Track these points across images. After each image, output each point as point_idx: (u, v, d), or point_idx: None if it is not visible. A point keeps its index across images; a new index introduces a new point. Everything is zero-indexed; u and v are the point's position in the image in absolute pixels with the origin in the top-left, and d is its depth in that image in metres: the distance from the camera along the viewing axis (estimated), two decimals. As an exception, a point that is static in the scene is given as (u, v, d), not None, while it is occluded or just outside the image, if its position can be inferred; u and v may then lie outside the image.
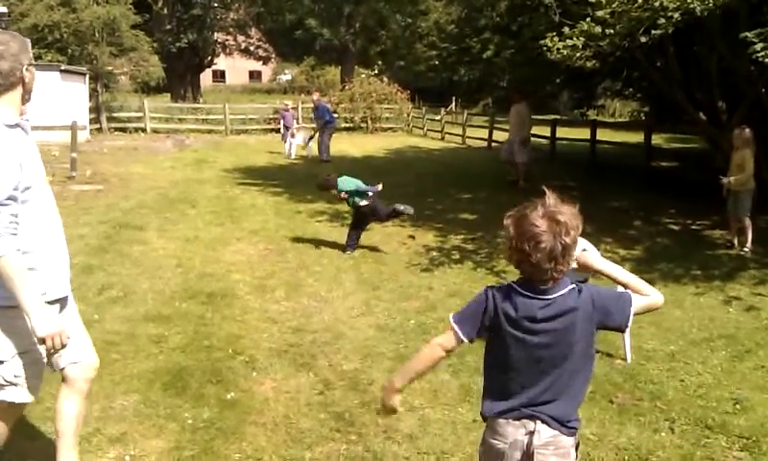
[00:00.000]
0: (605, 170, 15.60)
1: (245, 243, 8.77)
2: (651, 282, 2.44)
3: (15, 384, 2.86)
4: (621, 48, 8.24)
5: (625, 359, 5.08)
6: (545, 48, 7.95)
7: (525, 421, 2.26)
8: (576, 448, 2.32)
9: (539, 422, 2.24)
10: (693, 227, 9.76)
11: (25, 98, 2.87)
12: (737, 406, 4.36)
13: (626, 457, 3.75)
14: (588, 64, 7.88)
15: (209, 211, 10.80)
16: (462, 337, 2.33)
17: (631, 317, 2.30)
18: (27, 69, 2.81)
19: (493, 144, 22.10)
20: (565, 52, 7.72)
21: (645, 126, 17.26)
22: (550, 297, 2.22)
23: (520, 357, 2.25)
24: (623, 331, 2.25)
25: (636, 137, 17.06)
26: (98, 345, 5.15)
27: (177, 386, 4.54)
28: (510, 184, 13.37)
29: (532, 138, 14.31)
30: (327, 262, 7.86)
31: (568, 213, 2.20)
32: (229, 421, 4.10)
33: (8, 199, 2.60)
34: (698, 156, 16.24)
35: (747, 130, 8.32)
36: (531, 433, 2.24)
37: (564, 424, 2.26)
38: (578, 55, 7.74)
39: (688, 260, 7.95)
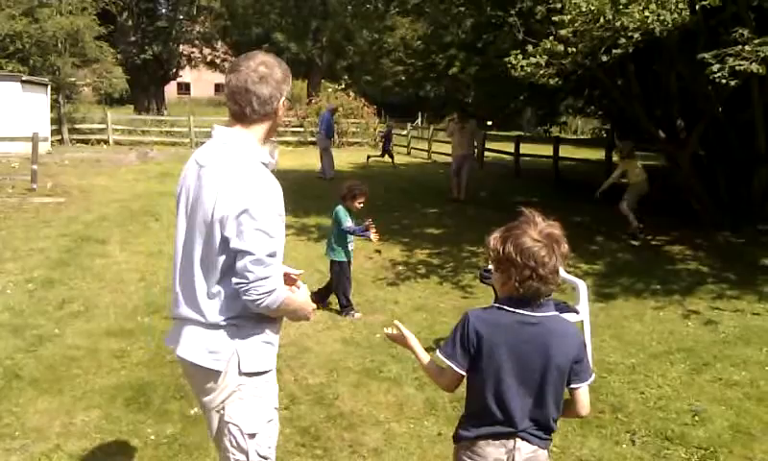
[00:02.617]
0: (567, 186, 15.83)
1: (210, 257, 8.68)
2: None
3: (267, 458, 2.52)
4: (583, 66, 8.38)
5: (587, 372, 5.15)
6: (509, 65, 8.06)
7: (504, 440, 2.30)
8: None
9: (518, 439, 2.29)
10: (653, 242, 9.95)
11: (272, 134, 2.57)
12: (696, 418, 4.45)
13: (588, 469, 3.81)
14: (551, 82, 8.01)
15: (173, 225, 10.65)
16: (459, 371, 2.33)
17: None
18: (283, 102, 2.51)
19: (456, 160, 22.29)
20: (529, 69, 7.84)
21: (606, 143, 17.57)
22: (537, 314, 2.26)
23: (505, 379, 2.27)
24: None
25: (598, 154, 17.38)
26: (58, 359, 5.13)
27: (139, 402, 4.48)
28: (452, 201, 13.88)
29: (493, 154, 14.76)
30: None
31: (557, 227, 2.28)
32: (193, 437, 4.05)
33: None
34: (657, 173, 16.56)
35: (629, 142, 10.92)
36: (511, 451, 2.29)
37: (542, 438, 2.32)
38: (541, 72, 7.86)
39: (649, 275, 8.11)
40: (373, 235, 6.61)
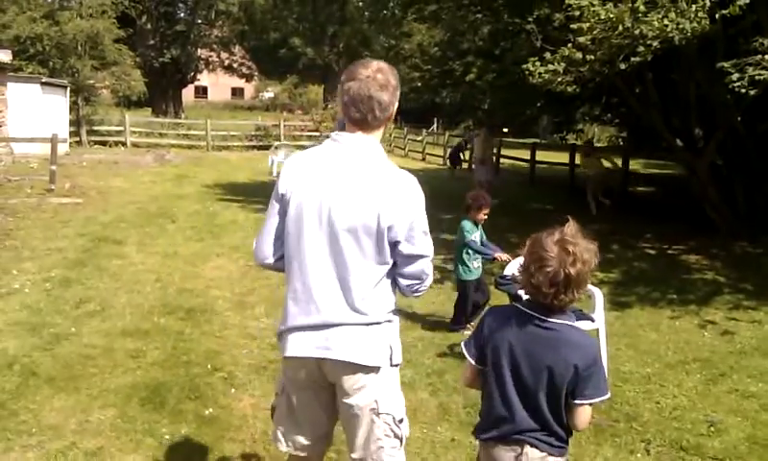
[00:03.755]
0: (583, 194, 15.76)
1: (225, 259, 8.74)
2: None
3: (403, 446, 2.65)
4: (601, 74, 8.37)
5: (602, 381, 5.12)
6: (527, 72, 8.06)
7: (514, 445, 2.33)
8: None
9: (527, 445, 2.31)
10: (669, 251, 9.89)
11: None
12: (712, 429, 4.41)
13: (602, 478, 3.79)
14: (569, 89, 8.00)
15: (189, 227, 10.77)
16: (469, 358, 2.44)
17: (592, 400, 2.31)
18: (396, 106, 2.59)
19: (473, 166, 22.26)
20: (546, 76, 7.83)
21: (623, 151, 17.50)
22: (551, 320, 2.27)
23: (509, 380, 2.31)
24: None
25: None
26: (75, 358, 5.18)
27: (154, 401, 4.50)
28: None
29: (513, 162, 14.83)
30: (308, 280, 7.85)
31: (583, 246, 2.25)
32: (207, 437, 4.07)
33: None
34: (674, 181, 16.49)
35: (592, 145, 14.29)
36: (519, 455, 2.32)
37: (553, 446, 2.33)
38: (559, 80, 7.85)
39: (665, 284, 8.05)
40: (502, 255, 5.94)
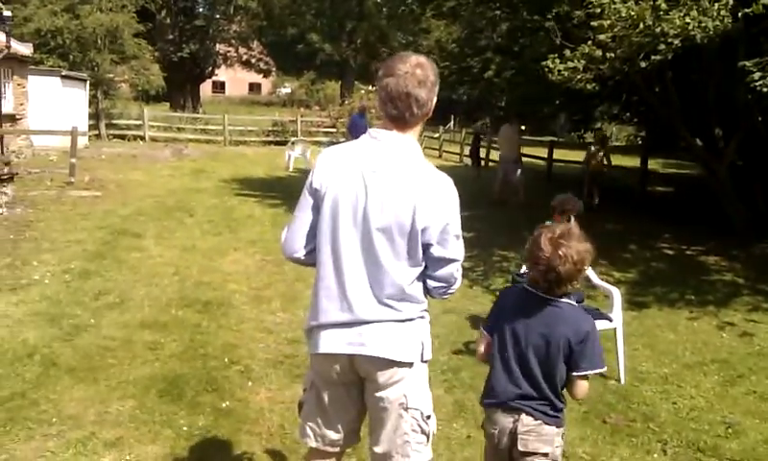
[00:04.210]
0: (601, 192, 15.67)
1: (242, 253, 8.79)
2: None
3: (430, 442, 2.67)
4: (621, 72, 8.32)
5: (619, 380, 5.11)
6: (547, 69, 8.02)
7: (512, 412, 2.61)
8: (561, 435, 2.65)
9: (523, 413, 2.59)
10: (688, 252, 9.82)
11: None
12: (729, 430, 4.39)
13: (618, 477, 3.78)
14: (588, 87, 7.96)
15: (207, 221, 10.82)
16: (484, 332, 2.75)
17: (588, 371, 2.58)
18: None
19: (491, 163, 22.21)
20: (566, 74, 7.79)
21: (641, 150, 17.39)
22: (547, 297, 2.56)
23: (512, 352, 2.61)
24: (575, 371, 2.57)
25: (632, 162, 17.18)
26: (94, 349, 5.23)
27: (172, 393, 4.54)
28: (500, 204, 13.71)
29: (529, 159, 14.67)
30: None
31: (574, 247, 2.49)
32: (225, 429, 4.11)
33: None
34: (693, 181, 16.36)
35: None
36: (516, 421, 2.61)
37: (546, 415, 2.58)
38: (578, 77, 7.81)
39: (683, 285, 8.00)
40: None
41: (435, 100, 2.50)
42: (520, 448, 2.58)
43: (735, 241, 10.05)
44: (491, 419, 2.69)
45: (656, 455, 4.04)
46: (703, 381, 5.24)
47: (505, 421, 2.62)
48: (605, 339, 5.57)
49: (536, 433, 2.57)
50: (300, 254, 2.61)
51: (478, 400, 3.97)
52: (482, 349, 2.75)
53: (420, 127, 2.55)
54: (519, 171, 13.97)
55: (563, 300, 2.56)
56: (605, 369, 2.69)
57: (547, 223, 3.54)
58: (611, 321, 5.17)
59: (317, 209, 2.52)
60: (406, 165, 2.45)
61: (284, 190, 14.51)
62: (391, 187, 2.41)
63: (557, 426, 2.60)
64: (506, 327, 2.61)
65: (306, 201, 2.55)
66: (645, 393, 4.96)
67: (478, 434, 4.17)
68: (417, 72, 2.42)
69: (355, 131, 17.24)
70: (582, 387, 2.58)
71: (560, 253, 2.46)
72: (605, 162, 14.19)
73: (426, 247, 2.44)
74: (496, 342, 2.65)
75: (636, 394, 4.92)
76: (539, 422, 2.57)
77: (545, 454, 2.59)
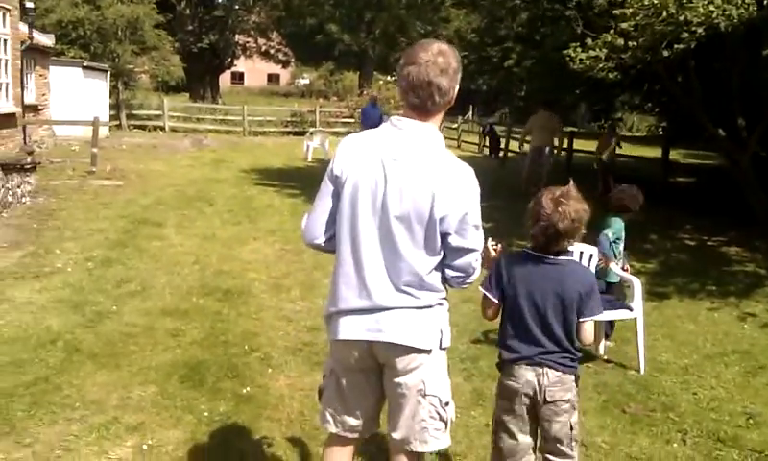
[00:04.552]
0: (622, 183, 15.59)
1: (261, 242, 8.84)
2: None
3: (448, 429, 2.70)
4: (643, 61, 8.24)
5: (638, 370, 5.09)
6: (568, 58, 7.96)
7: (535, 366, 2.83)
8: (576, 381, 2.90)
9: (546, 367, 2.82)
10: (709, 243, 9.73)
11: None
12: (750, 421, 4.36)
13: (637, 466, 3.77)
14: (610, 76, 7.90)
15: (227, 210, 10.89)
16: (493, 299, 2.91)
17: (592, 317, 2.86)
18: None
19: (509, 154, 22.13)
20: (588, 63, 7.74)
21: (663, 140, 17.22)
22: (551, 259, 2.81)
23: (528, 311, 2.82)
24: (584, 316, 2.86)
25: (653, 152, 17.04)
26: (116, 336, 5.30)
27: (194, 379, 4.59)
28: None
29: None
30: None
31: (574, 206, 2.73)
32: (245, 415, 4.15)
33: None
34: (715, 172, 16.19)
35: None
36: (540, 375, 2.82)
37: (567, 365, 2.85)
38: (600, 66, 7.75)
39: (704, 276, 7.93)
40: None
41: (457, 88, 2.48)
42: (548, 398, 2.82)
43: (757, 232, 9.94)
44: (513, 374, 2.88)
45: (675, 445, 4.02)
46: (723, 372, 5.20)
47: (529, 375, 2.83)
48: (625, 329, 5.58)
49: (560, 383, 2.83)
50: (321, 240, 2.62)
51: (496, 389, 4.00)
52: (490, 313, 2.95)
53: (442, 115, 2.55)
54: (551, 160, 13.64)
55: (564, 257, 2.83)
56: (603, 313, 3.14)
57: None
58: (631, 310, 5.15)
59: (337, 196, 2.53)
60: (426, 154, 2.44)
61: (303, 180, 14.55)
62: (410, 176, 2.40)
63: (575, 374, 2.89)
64: (519, 292, 2.82)
65: (327, 188, 2.56)
66: (665, 383, 4.94)
67: (497, 422, 4.19)
68: (438, 60, 2.41)
69: (367, 121, 17.17)
70: (587, 331, 2.86)
71: (559, 210, 2.69)
72: (616, 151, 14.45)
73: (445, 236, 2.44)
74: (512, 305, 2.85)
75: (656, 384, 4.90)
76: (559, 373, 2.83)
77: (568, 400, 2.85)
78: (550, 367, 2.81)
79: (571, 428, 2.89)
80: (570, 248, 2.89)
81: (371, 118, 16.95)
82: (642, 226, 10.63)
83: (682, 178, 17.05)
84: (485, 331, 5.77)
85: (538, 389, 2.82)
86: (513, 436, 2.93)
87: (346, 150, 2.54)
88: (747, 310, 6.79)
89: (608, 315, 5.17)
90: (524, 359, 2.83)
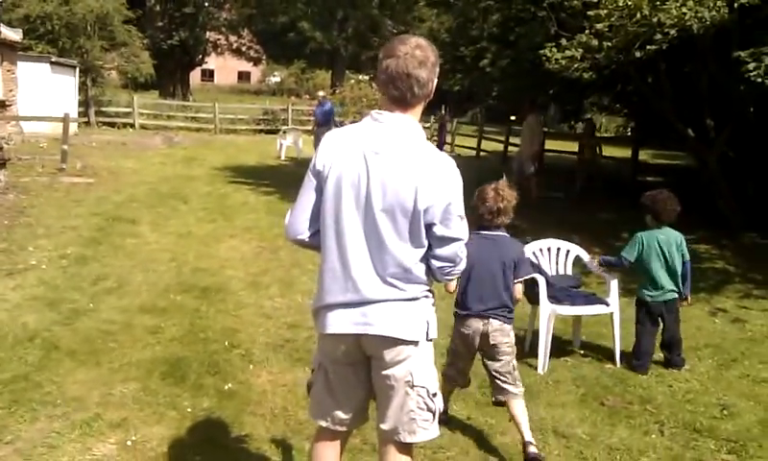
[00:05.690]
0: (592, 182, 15.79)
1: (238, 240, 8.80)
2: None
3: (436, 420, 2.70)
4: (617, 62, 8.37)
5: (615, 364, 5.19)
6: (544, 58, 8.06)
7: (483, 319, 3.81)
8: (511, 330, 3.88)
9: (491, 319, 3.81)
10: (679, 240, 9.90)
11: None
12: (725, 412, 4.47)
13: (618, 457, 3.85)
14: (585, 75, 8.01)
15: (201, 208, 10.82)
16: None
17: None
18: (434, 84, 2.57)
19: (482, 153, 22.31)
20: (564, 62, 7.85)
21: (632, 141, 17.49)
22: (491, 233, 3.87)
23: (483, 279, 3.80)
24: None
25: (622, 152, 17.30)
26: (94, 333, 5.25)
27: (175, 376, 4.57)
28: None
29: (514, 149, 14.27)
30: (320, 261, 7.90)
31: (507, 192, 3.84)
32: (228, 410, 4.15)
33: None
34: (683, 172, 16.49)
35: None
36: (486, 324, 3.80)
37: (506, 316, 3.83)
38: (575, 66, 7.87)
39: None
40: None
41: (435, 81, 2.53)
42: (491, 342, 3.80)
43: (726, 231, 10.15)
44: (465, 324, 3.85)
45: (654, 436, 4.12)
46: (697, 365, 5.32)
47: (477, 325, 3.81)
48: (601, 324, 5.68)
49: (500, 331, 3.81)
50: (305, 236, 2.62)
51: (478, 387, 4.41)
52: (453, 285, 3.55)
53: (421, 109, 2.57)
54: (533, 168, 12.69)
55: (501, 232, 3.88)
56: (532, 274, 4.41)
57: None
58: (608, 306, 5.24)
59: (320, 191, 2.54)
60: (408, 146, 2.47)
61: (277, 178, 14.51)
62: (392, 168, 2.43)
63: (511, 324, 3.87)
64: (475, 265, 3.59)
65: (310, 182, 2.57)
66: (641, 376, 5.03)
67: (478, 415, 4.26)
68: (417, 53, 2.45)
69: (319, 118, 17.37)
70: (519, 289, 3.91)
71: (499, 194, 3.82)
72: (598, 150, 14.98)
73: (429, 227, 2.46)
74: (464, 275, 3.61)
75: (633, 377, 5.00)
76: (501, 322, 3.81)
77: (507, 342, 3.82)
78: (494, 318, 3.79)
79: (513, 368, 3.85)
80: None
81: (320, 115, 17.54)
82: (614, 224, 10.82)
83: (651, 177, 17.31)
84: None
85: (483, 334, 3.79)
86: (459, 369, 4.02)
87: (328, 145, 2.56)
88: (718, 306, 6.95)
89: (586, 310, 5.28)
90: (474, 314, 3.81)
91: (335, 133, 2.62)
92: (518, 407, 3.80)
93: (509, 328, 3.82)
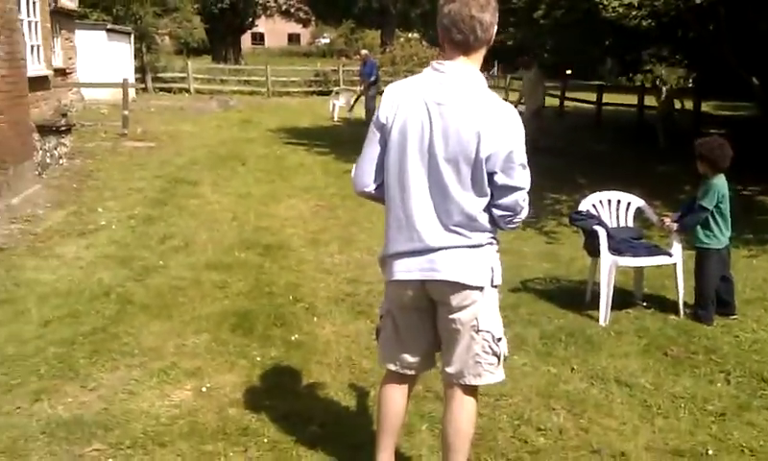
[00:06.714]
0: (652, 135, 15.42)
1: (296, 199, 8.95)
2: None
3: (501, 364, 2.76)
4: (675, 8, 8.10)
5: (678, 315, 5.14)
6: (601, 6, 7.86)
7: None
8: None
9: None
10: (744, 192, 9.64)
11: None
12: (793, 361, 4.41)
13: (682, 405, 3.84)
14: (644, 23, 7.79)
15: (259, 169, 11.00)
16: None
17: None
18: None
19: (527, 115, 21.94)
20: (621, 10, 7.63)
21: (694, 92, 16.96)
22: None
23: None
24: None
25: (686, 104, 16.79)
26: (165, 289, 5.46)
27: (244, 327, 4.74)
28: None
29: (577, 104, 14.03)
30: (377, 219, 7.95)
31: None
32: (295, 360, 4.29)
33: None
34: (747, 123, 15.95)
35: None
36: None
37: None
38: (633, 13, 7.64)
39: (740, 224, 7.77)
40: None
41: (496, 26, 2.51)
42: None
43: (793, 181, 9.84)
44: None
45: (719, 385, 4.09)
46: (764, 316, 5.23)
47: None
48: (664, 276, 5.61)
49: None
50: (371, 188, 2.68)
51: (539, 338, 4.23)
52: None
53: (482, 55, 2.57)
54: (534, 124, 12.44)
55: None
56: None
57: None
58: (671, 256, 5.18)
59: (384, 143, 2.59)
60: (470, 95, 2.49)
61: (331, 139, 14.62)
62: (455, 118, 2.45)
63: None
64: None
65: (374, 135, 2.62)
66: (706, 327, 4.98)
67: (540, 364, 4.30)
68: None
69: (369, 70, 17.77)
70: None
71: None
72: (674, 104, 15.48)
73: (491, 175, 2.48)
74: None
75: (697, 328, 4.95)
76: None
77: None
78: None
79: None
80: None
81: (366, 74, 17.86)
82: (676, 176, 10.59)
83: (714, 129, 16.81)
84: (522, 281, 5.85)
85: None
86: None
87: (391, 97, 2.59)
88: (785, 257, 6.79)
89: (648, 261, 5.23)
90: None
91: (397, 85, 2.65)
92: None
93: None
